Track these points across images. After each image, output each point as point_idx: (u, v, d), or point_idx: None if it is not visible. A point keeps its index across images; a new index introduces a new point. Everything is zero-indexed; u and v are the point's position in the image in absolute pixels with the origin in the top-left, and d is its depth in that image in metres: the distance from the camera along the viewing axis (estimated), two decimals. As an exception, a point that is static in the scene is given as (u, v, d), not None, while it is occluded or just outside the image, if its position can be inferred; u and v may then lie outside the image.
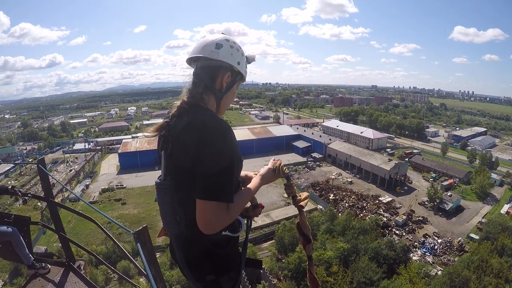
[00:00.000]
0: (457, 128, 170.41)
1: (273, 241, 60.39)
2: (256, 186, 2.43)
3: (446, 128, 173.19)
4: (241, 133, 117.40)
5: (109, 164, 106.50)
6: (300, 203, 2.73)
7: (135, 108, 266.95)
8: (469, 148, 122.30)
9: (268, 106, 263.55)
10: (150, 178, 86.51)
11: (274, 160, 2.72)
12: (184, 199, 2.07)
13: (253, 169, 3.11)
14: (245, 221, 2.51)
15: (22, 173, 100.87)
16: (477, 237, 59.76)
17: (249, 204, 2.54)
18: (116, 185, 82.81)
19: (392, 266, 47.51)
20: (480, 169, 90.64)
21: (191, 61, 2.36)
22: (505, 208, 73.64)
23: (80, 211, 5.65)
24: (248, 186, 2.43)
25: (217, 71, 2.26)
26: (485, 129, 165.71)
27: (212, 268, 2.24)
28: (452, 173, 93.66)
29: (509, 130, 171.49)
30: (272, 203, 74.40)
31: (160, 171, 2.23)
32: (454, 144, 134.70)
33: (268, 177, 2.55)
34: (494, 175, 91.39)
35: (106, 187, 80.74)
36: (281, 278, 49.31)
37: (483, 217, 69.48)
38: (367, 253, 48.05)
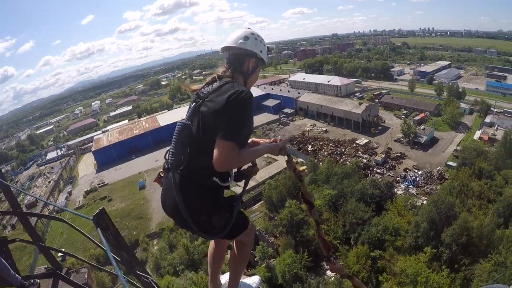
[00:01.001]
0: (422, 64, 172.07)
1: (261, 202, 60.38)
2: (261, 151, 2.88)
3: (411, 66, 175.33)
4: None
5: (86, 165, 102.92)
6: (300, 174, 3.14)
7: (99, 102, 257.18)
8: (436, 82, 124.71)
9: None
10: (129, 168, 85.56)
11: (280, 139, 3.09)
12: (197, 141, 2.55)
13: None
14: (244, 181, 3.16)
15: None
16: (454, 164, 61.63)
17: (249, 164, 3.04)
18: (98, 184, 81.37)
19: (379, 203, 48.31)
20: (448, 100, 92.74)
21: (224, 49, 2.93)
22: (477, 134, 76.34)
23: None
24: (256, 148, 2.90)
25: (244, 58, 2.86)
26: (449, 62, 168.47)
27: (204, 208, 2.69)
28: (422, 108, 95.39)
29: (472, 61, 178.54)
30: None
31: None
32: (421, 80, 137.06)
33: (273, 151, 2.94)
34: (463, 105, 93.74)
35: (88, 189, 79.14)
36: (277, 235, 49.50)
37: (457, 145, 71.70)
38: (353, 195, 48.41)
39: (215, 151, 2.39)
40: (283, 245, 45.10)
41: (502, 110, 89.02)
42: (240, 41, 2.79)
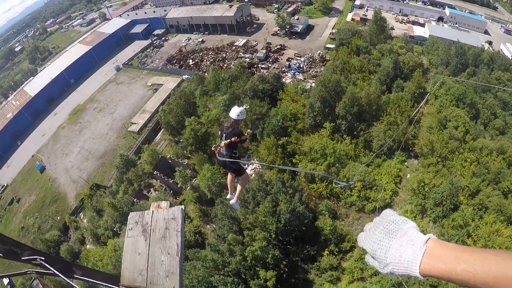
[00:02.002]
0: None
1: (162, 130, 56.79)
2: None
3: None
4: (75, 51, 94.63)
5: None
6: (245, 139, 6.65)
7: None
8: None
9: (88, 8, 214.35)
10: (20, 157, 69.20)
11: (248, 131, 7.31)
12: (229, 148, 6.45)
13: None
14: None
15: None
16: (333, 46, 64.14)
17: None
18: (-4, 190, 65.66)
19: (272, 95, 47.74)
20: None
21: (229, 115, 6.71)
22: (349, 16, 79.91)
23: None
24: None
25: (239, 120, 6.57)
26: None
27: (232, 163, 6.61)
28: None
29: None
30: (141, 97, 68.23)
31: None
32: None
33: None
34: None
35: (-14, 200, 63.19)
36: (189, 155, 48.48)
37: (332, 28, 74.28)
38: (246, 95, 46.45)
39: (244, 144, 6.81)
40: (198, 162, 43.35)
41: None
42: (238, 114, 6.52)
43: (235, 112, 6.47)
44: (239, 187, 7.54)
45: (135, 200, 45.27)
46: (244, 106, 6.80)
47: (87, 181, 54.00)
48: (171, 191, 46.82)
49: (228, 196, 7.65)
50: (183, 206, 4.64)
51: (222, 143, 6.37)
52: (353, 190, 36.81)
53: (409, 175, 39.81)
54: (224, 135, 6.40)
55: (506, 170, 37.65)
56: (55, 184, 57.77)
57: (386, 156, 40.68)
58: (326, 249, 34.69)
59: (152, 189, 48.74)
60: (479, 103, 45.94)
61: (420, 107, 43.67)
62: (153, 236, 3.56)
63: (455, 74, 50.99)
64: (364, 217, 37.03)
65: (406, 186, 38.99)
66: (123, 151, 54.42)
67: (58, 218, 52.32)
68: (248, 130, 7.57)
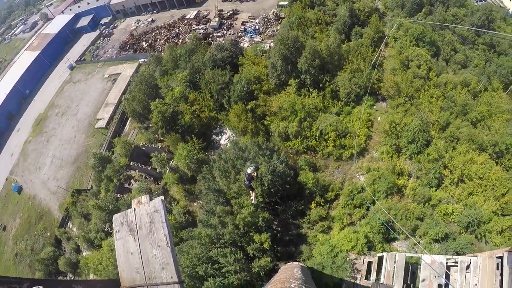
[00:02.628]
0: None
1: (129, 120, 56.80)
2: None
3: None
4: (23, 60, 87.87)
5: None
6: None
7: None
8: None
9: (27, 12, 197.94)
10: None
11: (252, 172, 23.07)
12: (249, 183, 23.61)
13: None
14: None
15: None
16: (286, 3, 61.92)
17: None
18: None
19: (233, 62, 46.68)
20: None
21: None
22: None
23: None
24: None
25: (252, 173, 23.38)
26: None
27: (250, 186, 24.50)
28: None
29: None
30: (101, 91, 66.38)
31: None
32: None
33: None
34: None
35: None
36: (161, 138, 47.79)
37: (284, -15, 71.61)
38: (206, 66, 45.29)
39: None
40: (171, 143, 42.67)
41: None
42: (251, 172, 22.39)
43: (249, 170, 22.13)
44: (253, 194, 26.95)
45: (118, 196, 44.67)
46: (252, 167, 22.43)
47: (66, 189, 52.54)
48: (152, 178, 46.33)
49: (253, 202, 29.47)
50: (162, 197, 4.44)
51: (246, 182, 23.02)
52: (328, 141, 37.35)
53: (379, 118, 40.58)
54: (247, 180, 22.82)
55: (472, 101, 39.00)
56: (36, 201, 55.92)
57: (355, 103, 41.15)
58: (313, 201, 35.61)
59: (132, 181, 48.08)
60: (438, 41, 46.47)
61: (381, 51, 43.97)
62: (141, 233, 3.41)
63: (412, 15, 51.12)
64: (343, 164, 37.95)
65: (378, 128, 39.80)
66: (95, 150, 52.88)
67: (48, 234, 51.20)
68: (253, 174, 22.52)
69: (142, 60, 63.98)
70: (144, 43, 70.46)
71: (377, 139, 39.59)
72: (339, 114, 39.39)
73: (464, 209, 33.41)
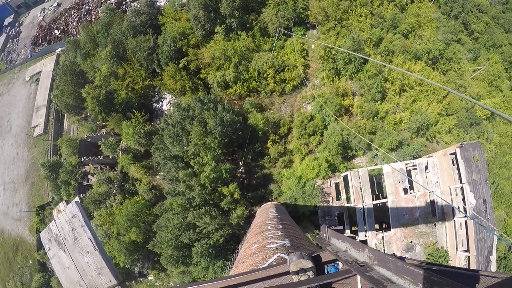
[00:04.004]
0: None
1: (65, 115, 52.56)
2: None
3: None
4: None
5: None
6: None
7: None
8: None
9: None
10: None
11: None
12: None
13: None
14: None
15: None
16: None
17: None
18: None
19: (154, 23, 44.17)
20: None
21: None
22: None
23: None
24: None
25: None
26: None
27: None
28: None
29: None
30: (28, 97, 63.40)
31: None
32: None
33: None
34: None
35: None
36: (104, 124, 46.64)
37: None
38: (127, 36, 42.87)
39: None
40: (115, 124, 41.21)
41: None
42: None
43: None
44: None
45: (81, 196, 42.93)
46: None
47: (29, 210, 49.88)
48: (107, 166, 44.67)
49: None
50: (76, 198, 3.91)
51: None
52: (268, 79, 37.24)
53: (313, 45, 40.69)
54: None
55: (400, 14, 39.89)
56: (5, 235, 52.90)
57: (286, 36, 40.80)
58: (268, 140, 36.14)
59: (89, 176, 46.16)
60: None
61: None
62: (68, 244, 2.99)
63: None
64: (288, 98, 38.37)
65: (314, 56, 40.10)
66: (42, 159, 49.43)
67: (30, 262, 49.12)
68: None
69: (60, 49, 58.87)
70: (56, 31, 64.49)
71: (315, 67, 40.01)
72: (272, 50, 39.01)
73: (411, 115, 35.46)
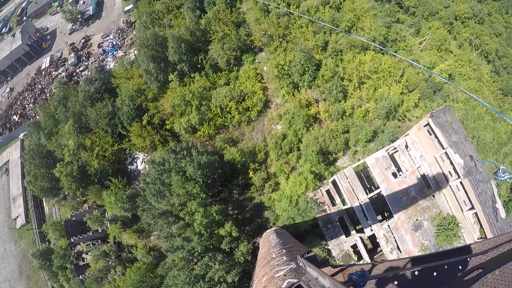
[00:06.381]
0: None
1: (43, 198, 49.42)
2: None
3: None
4: None
5: None
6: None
7: None
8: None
9: None
10: None
11: None
12: None
13: None
14: None
15: None
16: (131, 6, 60.13)
17: None
18: None
19: (108, 88, 44.13)
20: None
21: None
22: None
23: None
24: None
25: None
26: None
27: None
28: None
29: None
30: (1, 190, 56.23)
31: None
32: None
33: None
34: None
35: None
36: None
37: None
38: (85, 105, 42.18)
39: None
40: (95, 197, 40.93)
41: None
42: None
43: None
44: None
45: (81, 277, 41.47)
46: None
47: None
48: (99, 241, 43.47)
49: None
50: None
51: None
52: (231, 112, 37.53)
53: (265, 67, 41.48)
54: None
55: (337, 14, 41.43)
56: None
57: (237, 65, 41.49)
58: (249, 170, 36.09)
59: (83, 255, 44.75)
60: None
61: (239, 8, 44.32)
62: None
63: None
64: (256, 124, 38.67)
65: (270, 76, 40.85)
66: (31, 250, 47.74)
67: None
68: None
69: (22, 134, 57.98)
70: (15, 116, 63.40)
71: (273, 86, 40.66)
72: (228, 83, 39.49)
73: (376, 104, 36.25)
